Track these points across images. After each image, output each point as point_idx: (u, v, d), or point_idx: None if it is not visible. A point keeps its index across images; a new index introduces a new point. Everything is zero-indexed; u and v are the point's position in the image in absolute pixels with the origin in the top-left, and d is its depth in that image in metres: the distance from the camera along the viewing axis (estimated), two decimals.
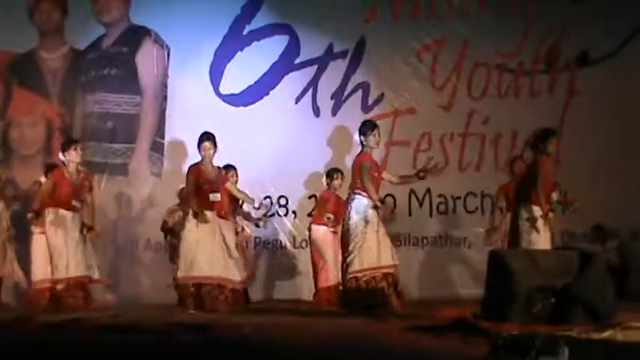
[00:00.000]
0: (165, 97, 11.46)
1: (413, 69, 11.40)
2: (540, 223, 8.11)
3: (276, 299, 10.84)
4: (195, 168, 9.00)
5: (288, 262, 11.17)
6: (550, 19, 11.12)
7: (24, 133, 11.39)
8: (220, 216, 9.03)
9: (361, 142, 8.65)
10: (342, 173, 9.76)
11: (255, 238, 11.00)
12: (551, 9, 11.10)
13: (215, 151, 9.02)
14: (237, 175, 9.74)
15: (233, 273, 8.90)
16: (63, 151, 9.34)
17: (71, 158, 9.26)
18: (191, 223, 8.89)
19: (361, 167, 8.48)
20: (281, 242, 11.23)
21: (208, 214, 8.92)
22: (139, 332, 6.26)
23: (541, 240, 8.06)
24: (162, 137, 11.32)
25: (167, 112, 11.44)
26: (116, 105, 11.44)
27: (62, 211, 9.27)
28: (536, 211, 8.12)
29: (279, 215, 11.15)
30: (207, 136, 9.00)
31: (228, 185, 9.13)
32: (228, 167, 9.58)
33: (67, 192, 9.30)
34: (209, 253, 8.85)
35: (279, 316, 8.58)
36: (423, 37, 11.41)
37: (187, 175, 9.02)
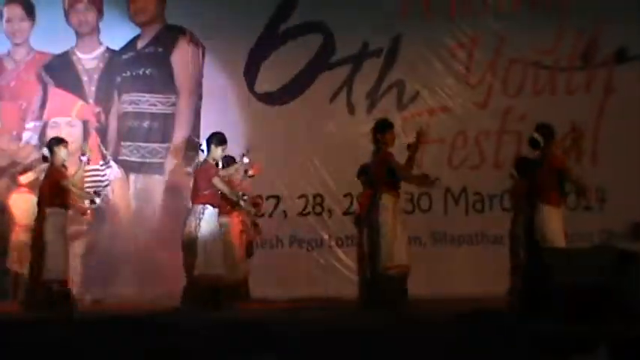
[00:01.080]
0: (200, 96, 11.65)
1: (448, 66, 11.42)
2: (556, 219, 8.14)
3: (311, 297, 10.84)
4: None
5: (325, 259, 11.28)
6: (586, 14, 11.07)
7: (61, 133, 11.33)
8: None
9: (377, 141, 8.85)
10: None
11: (291, 237, 11.24)
12: (587, 4, 11.10)
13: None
14: None
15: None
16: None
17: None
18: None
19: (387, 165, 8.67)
20: (320, 240, 11.36)
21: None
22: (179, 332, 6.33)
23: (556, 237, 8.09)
24: (198, 136, 11.37)
25: (202, 111, 11.62)
26: (151, 104, 11.64)
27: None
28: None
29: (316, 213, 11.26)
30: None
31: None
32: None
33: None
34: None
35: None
36: (457, 35, 11.39)
37: None
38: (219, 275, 9.17)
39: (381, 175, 8.83)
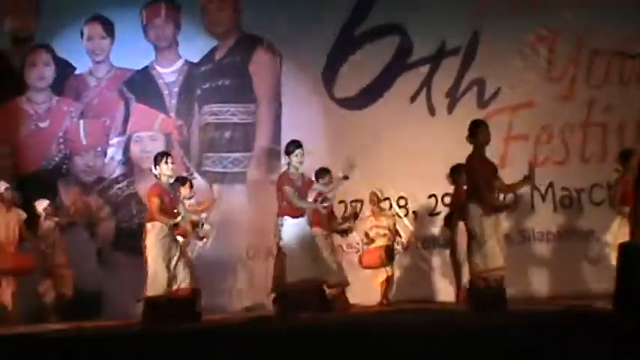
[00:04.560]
0: (279, 105, 12.08)
1: (528, 61, 11.66)
2: None
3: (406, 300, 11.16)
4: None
5: (414, 262, 11.59)
6: None
7: (145, 147, 12.12)
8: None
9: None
10: None
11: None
12: None
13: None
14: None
15: None
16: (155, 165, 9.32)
17: (162, 172, 9.22)
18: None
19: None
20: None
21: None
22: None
23: None
24: (279, 144, 11.69)
25: (282, 119, 12.00)
26: (232, 115, 12.07)
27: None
28: None
29: (399, 216, 11.59)
30: (298, 144, 9.48)
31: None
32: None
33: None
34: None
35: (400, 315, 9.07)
36: (537, 28, 11.65)
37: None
38: (308, 282, 9.29)
39: (468, 176, 8.88)
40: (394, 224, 11.24)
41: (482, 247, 8.44)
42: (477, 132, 8.69)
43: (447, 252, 10.92)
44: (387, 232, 11.09)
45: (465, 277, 9.43)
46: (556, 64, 11.61)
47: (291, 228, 9.34)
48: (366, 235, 11.16)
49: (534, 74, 11.66)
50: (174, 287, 9.01)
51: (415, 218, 11.77)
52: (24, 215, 10.92)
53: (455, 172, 10.25)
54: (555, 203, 11.53)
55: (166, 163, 9.15)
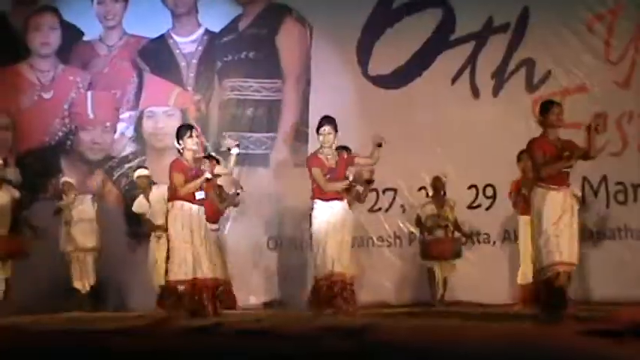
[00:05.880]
0: (308, 81, 11.74)
1: (584, 42, 11.24)
2: None
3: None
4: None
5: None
6: None
7: (158, 124, 11.74)
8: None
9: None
10: None
11: (410, 233, 11.13)
12: None
13: (335, 136, 8.81)
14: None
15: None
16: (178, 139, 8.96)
17: (187, 146, 8.78)
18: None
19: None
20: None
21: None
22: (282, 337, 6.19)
23: None
24: (307, 125, 11.46)
25: (311, 98, 11.67)
26: (255, 91, 11.72)
27: (187, 204, 8.79)
28: None
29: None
30: (327, 120, 8.89)
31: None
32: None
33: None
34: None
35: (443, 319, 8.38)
36: (594, 6, 11.26)
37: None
38: (335, 275, 8.68)
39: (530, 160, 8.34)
40: (455, 218, 10.70)
41: (542, 238, 7.79)
42: (548, 112, 8.15)
43: (486, 248, 10.78)
44: (448, 223, 10.58)
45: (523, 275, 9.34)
46: (614, 45, 11.15)
47: (322, 212, 8.75)
48: (418, 221, 10.60)
49: (590, 56, 11.22)
50: (199, 275, 8.54)
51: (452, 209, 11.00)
52: (17, 194, 10.49)
53: (519, 160, 9.70)
54: (609, 199, 11.02)
55: (191, 136, 8.77)
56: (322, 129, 8.76)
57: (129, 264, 11.14)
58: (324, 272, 8.65)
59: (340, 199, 8.81)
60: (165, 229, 8.92)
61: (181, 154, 8.74)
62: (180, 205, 8.59)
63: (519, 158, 9.57)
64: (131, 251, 11.32)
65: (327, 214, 8.73)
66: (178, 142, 8.76)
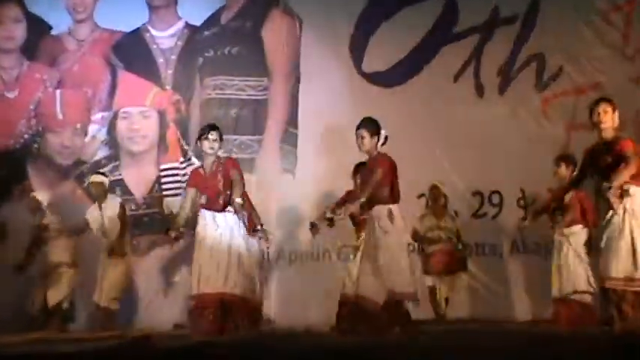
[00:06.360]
0: (297, 79, 11.32)
1: (599, 35, 10.77)
2: None
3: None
4: None
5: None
6: None
7: (133, 125, 11.36)
8: None
9: None
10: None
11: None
12: None
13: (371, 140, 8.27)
14: None
15: None
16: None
17: (203, 149, 8.53)
18: None
19: None
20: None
21: None
22: None
23: None
24: (296, 127, 11.13)
25: (300, 97, 11.24)
26: (240, 90, 11.28)
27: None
28: None
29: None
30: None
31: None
32: None
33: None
34: None
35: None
36: None
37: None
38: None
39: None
40: (457, 229, 10.31)
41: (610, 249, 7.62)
42: (600, 111, 7.95)
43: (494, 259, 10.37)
44: (450, 235, 10.14)
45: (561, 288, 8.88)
46: (633, 38, 10.65)
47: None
48: (415, 235, 10.10)
49: (606, 51, 10.77)
50: (227, 290, 8.11)
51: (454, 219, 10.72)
52: None
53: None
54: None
55: (206, 138, 8.33)
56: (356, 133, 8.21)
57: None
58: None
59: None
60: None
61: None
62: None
63: (558, 164, 9.11)
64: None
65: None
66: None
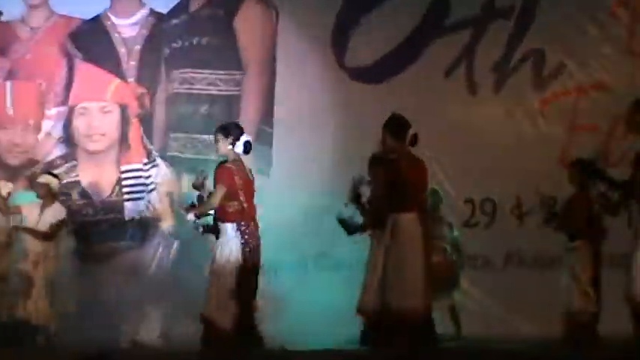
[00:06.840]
0: (273, 73, 11.04)
1: (604, 31, 10.68)
2: None
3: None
4: None
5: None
6: None
7: (92, 122, 10.90)
8: None
9: None
10: None
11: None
12: None
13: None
14: None
15: None
16: None
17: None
18: None
19: None
20: None
21: None
22: None
23: None
24: (271, 125, 10.85)
25: (276, 92, 10.97)
26: (210, 84, 11.02)
27: None
28: None
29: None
30: None
31: None
32: None
33: None
34: None
35: None
36: None
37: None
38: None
39: None
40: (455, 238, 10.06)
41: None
42: None
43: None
44: (446, 246, 9.74)
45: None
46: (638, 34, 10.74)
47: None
48: None
49: (610, 47, 10.68)
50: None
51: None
52: None
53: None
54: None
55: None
56: None
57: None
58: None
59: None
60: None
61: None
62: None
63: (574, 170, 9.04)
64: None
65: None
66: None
